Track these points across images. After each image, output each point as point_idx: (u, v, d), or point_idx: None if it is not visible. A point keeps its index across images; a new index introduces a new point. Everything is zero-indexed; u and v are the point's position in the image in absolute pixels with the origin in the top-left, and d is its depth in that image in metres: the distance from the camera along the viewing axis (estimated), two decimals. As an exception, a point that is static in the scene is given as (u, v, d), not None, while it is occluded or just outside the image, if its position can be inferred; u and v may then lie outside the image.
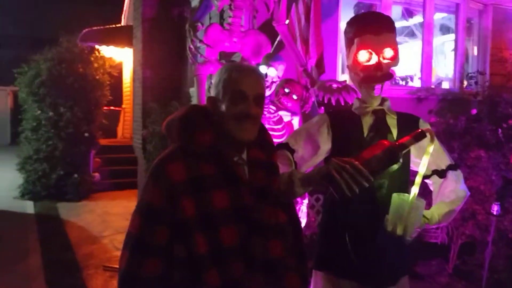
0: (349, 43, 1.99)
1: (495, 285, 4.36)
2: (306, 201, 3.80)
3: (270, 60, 3.72)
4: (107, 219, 7.13)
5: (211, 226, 1.44)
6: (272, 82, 3.70)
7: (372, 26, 1.90)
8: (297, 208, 3.69)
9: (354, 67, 1.96)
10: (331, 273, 2.02)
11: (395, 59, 1.92)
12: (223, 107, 1.51)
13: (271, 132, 3.58)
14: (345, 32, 2.02)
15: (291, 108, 3.84)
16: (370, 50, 1.90)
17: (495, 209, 4.20)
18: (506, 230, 4.53)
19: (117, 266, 1.54)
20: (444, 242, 4.65)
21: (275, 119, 3.72)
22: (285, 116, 3.82)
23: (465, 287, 4.46)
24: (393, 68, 1.96)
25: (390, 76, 1.95)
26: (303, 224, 3.74)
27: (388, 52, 1.90)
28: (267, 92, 3.69)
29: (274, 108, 3.74)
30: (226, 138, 1.52)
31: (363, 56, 1.91)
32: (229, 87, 1.51)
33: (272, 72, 3.65)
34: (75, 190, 8.52)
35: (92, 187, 9.00)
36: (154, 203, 1.46)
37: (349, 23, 2.00)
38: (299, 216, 3.69)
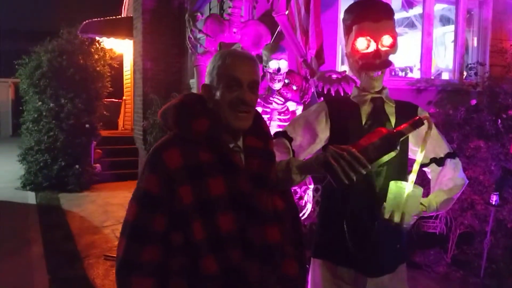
0: (347, 31, 1.96)
1: (493, 275, 4.37)
2: (312, 186, 3.80)
3: (274, 53, 3.64)
4: (108, 210, 7.16)
5: (208, 213, 1.42)
6: (285, 73, 3.68)
7: (371, 13, 1.87)
8: (305, 192, 3.70)
9: (352, 54, 1.93)
10: (329, 261, 2.02)
11: (393, 46, 1.89)
12: (218, 95, 1.49)
13: (279, 123, 3.62)
14: (344, 19, 1.99)
15: (292, 99, 3.84)
16: (368, 38, 1.87)
17: (494, 199, 4.23)
18: (504, 220, 4.55)
19: (118, 255, 1.53)
20: (442, 232, 4.67)
21: (283, 109, 3.72)
22: (291, 105, 3.82)
23: (463, 276, 4.47)
24: (391, 56, 1.93)
25: (388, 63, 1.92)
26: (308, 209, 3.75)
27: (386, 40, 1.87)
28: (279, 84, 3.66)
29: (282, 99, 3.72)
30: (221, 125, 1.50)
31: (361, 43, 1.88)
32: (224, 74, 1.49)
33: (283, 64, 3.60)
34: (76, 181, 8.54)
35: (93, 178, 9.00)
36: (151, 191, 1.44)
37: (348, 10, 1.97)
38: (306, 200, 3.71)
